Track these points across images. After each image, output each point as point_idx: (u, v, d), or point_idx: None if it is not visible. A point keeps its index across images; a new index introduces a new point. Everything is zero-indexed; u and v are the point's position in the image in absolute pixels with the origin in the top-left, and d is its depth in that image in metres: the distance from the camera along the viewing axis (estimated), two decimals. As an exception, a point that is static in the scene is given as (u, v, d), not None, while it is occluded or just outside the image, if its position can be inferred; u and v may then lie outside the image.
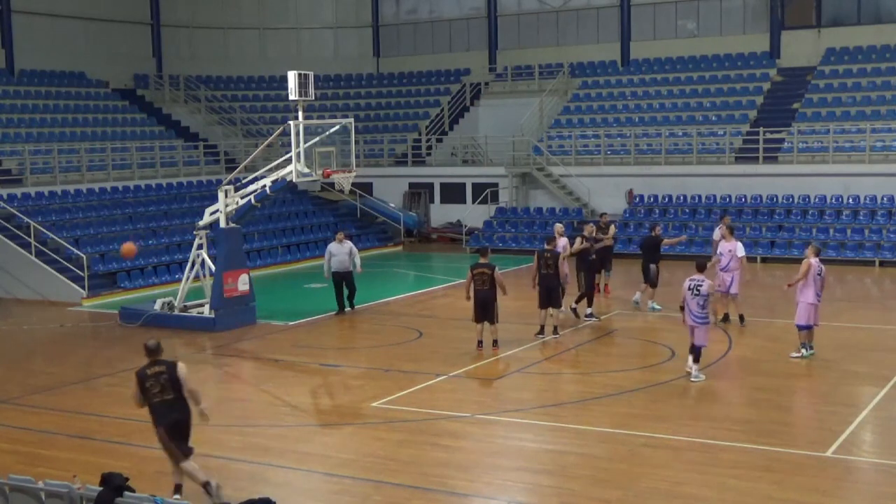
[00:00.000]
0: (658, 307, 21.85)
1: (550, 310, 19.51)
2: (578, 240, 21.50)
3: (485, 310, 18.45)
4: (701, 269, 16.44)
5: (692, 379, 16.07)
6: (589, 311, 21.14)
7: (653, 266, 21.86)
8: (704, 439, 13.34)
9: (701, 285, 16.01)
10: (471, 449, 13.35)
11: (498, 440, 13.75)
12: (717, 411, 14.83)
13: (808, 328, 17.32)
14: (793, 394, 15.76)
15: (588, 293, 21.16)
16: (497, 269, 18.56)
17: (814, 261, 17.18)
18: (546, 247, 19.84)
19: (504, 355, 18.39)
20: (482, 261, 18.66)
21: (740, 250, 20.12)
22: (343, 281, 22.67)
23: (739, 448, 12.90)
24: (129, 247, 22.04)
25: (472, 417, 14.71)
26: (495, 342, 18.63)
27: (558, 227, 21.82)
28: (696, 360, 16.14)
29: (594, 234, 21.94)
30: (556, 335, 19.61)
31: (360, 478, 12.25)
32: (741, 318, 20.16)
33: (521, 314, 20.84)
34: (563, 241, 20.86)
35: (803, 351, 17.41)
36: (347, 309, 22.83)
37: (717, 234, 21.73)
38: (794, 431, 13.77)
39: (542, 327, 19.66)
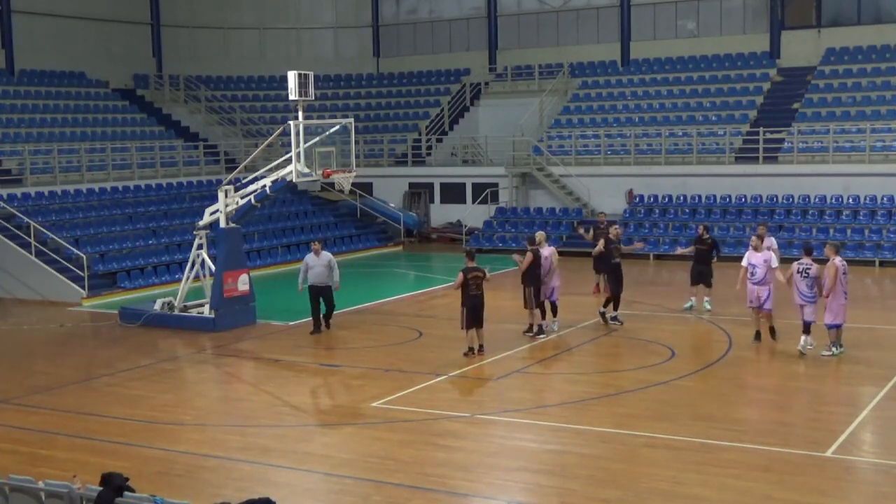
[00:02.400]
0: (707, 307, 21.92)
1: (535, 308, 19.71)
2: (602, 242, 21.39)
3: (478, 314, 18.17)
4: (809, 252, 17.79)
5: (807, 348, 17.52)
6: (615, 314, 20.67)
7: (692, 266, 22.06)
8: (704, 439, 13.34)
9: (809, 268, 17.52)
10: (471, 449, 13.35)
11: (498, 440, 13.75)
12: (717, 411, 14.82)
13: (839, 327, 17.47)
14: (793, 394, 15.76)
15: (614, 296, 20.72)
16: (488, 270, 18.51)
17: (837, 261, 17.30)
18: (531, 247, 19.81)
19: (503, 355, 18.37)
20: (473, 264, 18.26)
21: (775, 261, 18.78)
22: (320, 296, 20.74)
23: (739, 448, 12.90)
24: None
25: (472, 417, 14.71)
26: (481, 347, 18.36)
27: (540, 234, 20.65)
28: (806, 332, 17.58)
29: (619, 236, 21.62)
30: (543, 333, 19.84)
31: (361, 478, 12.26)
32: (772, 331, 18.66)
33: (519, 315, 20.78)
34: (550, 249, 20.27)
35: (833, 349, 17.50)
36: (324, 328, 20.96)
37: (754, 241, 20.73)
38: (794, 431, 13.77)
39: (540, 326, 19.76)
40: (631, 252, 24.97)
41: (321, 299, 20.78)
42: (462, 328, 18.29)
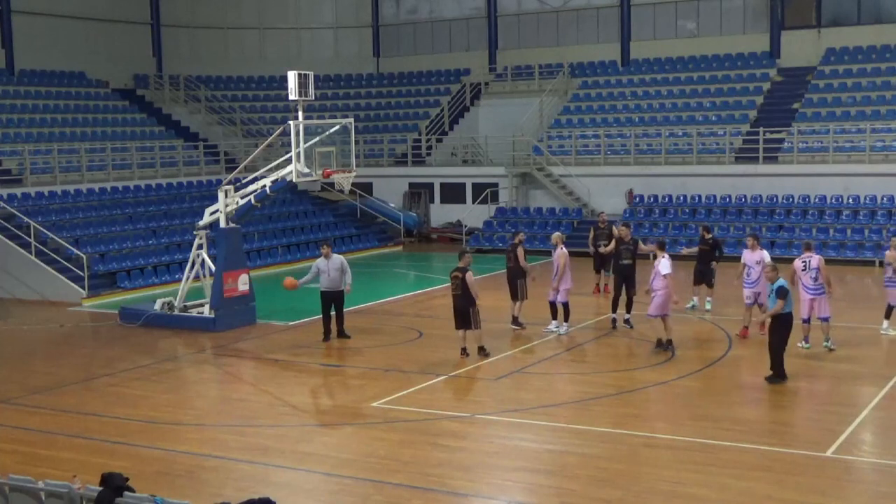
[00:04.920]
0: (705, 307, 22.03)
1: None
2: (614, 243, 21.35)
3: (461, 316, 17.89)
4: (809, 248, 18.39)
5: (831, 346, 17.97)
6: (614, 316, 20.52)
7: (695, 266, 22.10)
8: (704, 439, 13.34)
9: (809, 260, 17.91)
10: (471, 449, 13.35)
11: (498, 440, 13.74)
12: (717, 411, 14.82)
13: (826, 320, 18.11)
14: (793, 394, 15.75)
15: (628, 298, 20.48)
16: (469, 273, 17.77)
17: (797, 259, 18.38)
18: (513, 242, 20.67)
19: (503, 355, 18.38)
20: (459, 265, 18.05)
21: (665, 268, 18.09)
22: (332, 302, 19.91)
23: (739, 448, 12.91)
24: (290, 282, 20.11)
25: (472, 417, 14.71)
26: (482, 349, 18.08)
27: (556, 235, 20.72)
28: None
29: (627, 237, 21.03)
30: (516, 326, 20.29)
31: (361, 478, 12.25)
32: (668, 342, 18.35)
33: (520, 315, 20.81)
34: (558, 251, 20.08)
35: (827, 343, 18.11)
36: (334, 335, 20.11)
37: (765, 256, 19.65)
38: (794, 431, 13.78)
39: (515, 317, 20.34)
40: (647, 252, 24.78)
41: (332, 305, 19.95)
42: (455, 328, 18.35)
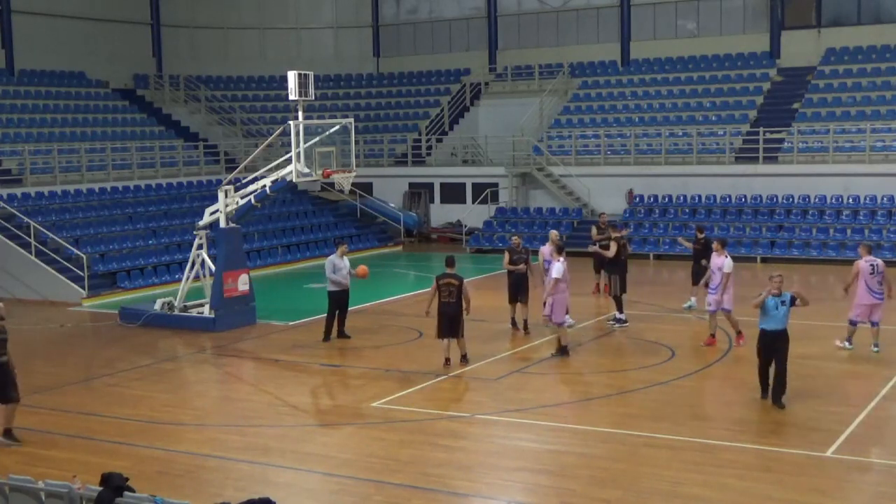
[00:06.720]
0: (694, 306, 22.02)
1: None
2: (613, 245, 21.39)
3: (452, 324, 17.27)
4: (870, 250, 18.20)
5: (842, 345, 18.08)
6: (622, 316, 20.66)
7: (692, 266, 22.16)
8: (704, 439, 13.34)
9: (875, 263, 17.79)
10: (471, 449, 13.35)
11: (498, 440, 13.74)
12: (717, 411, 14.83)
13: (854, 324, 18.00)
14: (793, 394, 15.71)
15: (616, 297, 20.72)
16: (465, 280, 17.39)
17: (862, 262, 17.88)
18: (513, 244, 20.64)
19: (503, 355, 18.38)
20: (449, 271, 17.50)
21: (556, 271, 17.81)
22: (341, 302, 19.98)
23: (739, 448, 12.91)
24: (362, 270, 20.21)
25: (472, 417, 14.72)
26: (464, 357, 17.67)
27: (553, 233, 20.58)
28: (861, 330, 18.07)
29: (620, 235, 21.49)
30: (525, 330, 20.17)
31: (361, 478, 12.26)
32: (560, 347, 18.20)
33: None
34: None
35: (846, 343, 18.03)
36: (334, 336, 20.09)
37: (726, 263, 18.82)
38: (794, 431, 13.77)
39: (514, 319, 20.24)
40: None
41: (338, 306, 19.96)
42: (438, 337, 17.67)
